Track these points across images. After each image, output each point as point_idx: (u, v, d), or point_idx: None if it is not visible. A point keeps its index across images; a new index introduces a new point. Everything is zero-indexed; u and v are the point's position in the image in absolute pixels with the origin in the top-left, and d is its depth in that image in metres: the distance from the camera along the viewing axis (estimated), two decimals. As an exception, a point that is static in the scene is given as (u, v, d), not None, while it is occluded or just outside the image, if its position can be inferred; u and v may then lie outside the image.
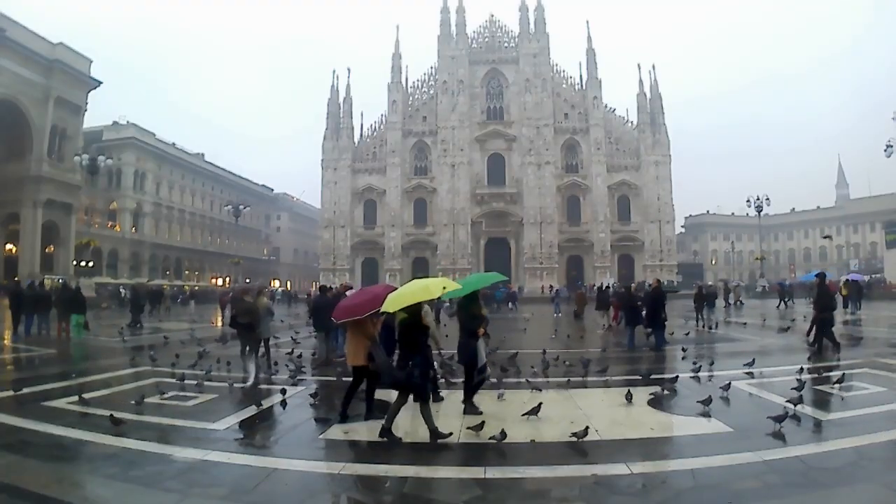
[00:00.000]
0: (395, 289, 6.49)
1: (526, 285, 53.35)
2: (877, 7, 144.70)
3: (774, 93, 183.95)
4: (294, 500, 4.30)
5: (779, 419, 5.59)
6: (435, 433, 5.66)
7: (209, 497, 4.27)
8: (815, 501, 4.07)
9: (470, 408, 6.66)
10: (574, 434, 5.41)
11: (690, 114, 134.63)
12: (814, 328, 12.14)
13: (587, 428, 5.47)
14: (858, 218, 79.51)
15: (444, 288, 6.18)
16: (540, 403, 6.48)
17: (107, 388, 8.55)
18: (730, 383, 7.71)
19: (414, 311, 5.83)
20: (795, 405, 6.35)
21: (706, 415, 6.33)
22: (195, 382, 8.51)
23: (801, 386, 7.16)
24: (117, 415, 6.06)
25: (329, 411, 7.11)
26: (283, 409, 7.21)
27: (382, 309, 6.08)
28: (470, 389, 6.82)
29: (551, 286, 47.18)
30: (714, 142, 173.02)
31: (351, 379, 6.94)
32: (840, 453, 5.00)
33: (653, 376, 8.78)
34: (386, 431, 5.67)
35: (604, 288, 22.56)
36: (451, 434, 5.69)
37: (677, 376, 8.32)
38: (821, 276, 12.52)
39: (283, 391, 7.68)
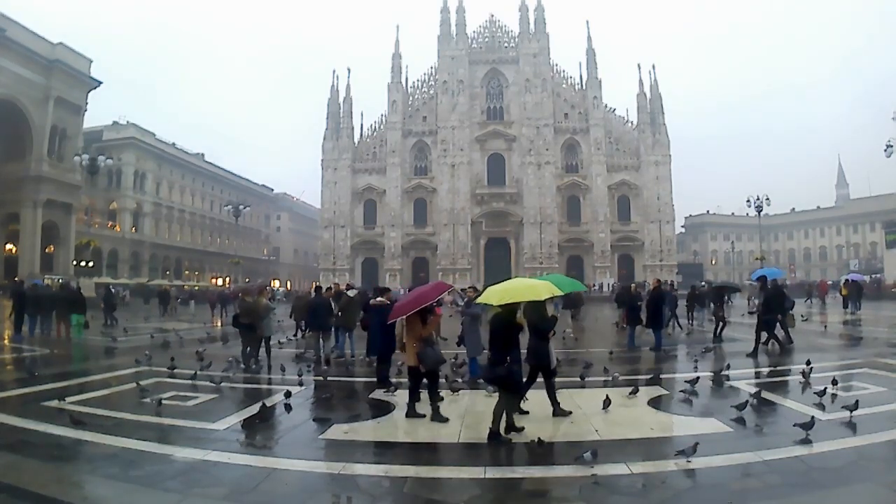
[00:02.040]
0: (448, 286, 6.64)
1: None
2: (882, 13, 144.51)
3: (775, 94, 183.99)
4: (294, 500, 4.30)
5: (806, 426, 5.38)
6: (511, 427, 5.76)
7: (209, 497, 4.27)
8: (815, 501, 4.07)
9: (559, 411, 6.57)
10: (681, 451, 4.79)
11: (691, 115, 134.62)
12: (719, 328, 13.94)
13: (696, 445, 4.78)
14: (858, 218, 79.48)
15: (551, 294, 6.27)
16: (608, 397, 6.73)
17: (106, 388, 8.54)
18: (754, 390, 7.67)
19: (511, 308, 5.90)
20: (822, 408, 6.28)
21: (741, 420, 6.13)
22: (208, 381, 8.52)
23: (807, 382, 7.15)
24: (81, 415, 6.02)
25: (329, 411, 7.11)
26: (288, 411, 7.03)
27: (482, 300, 6.19)
28: (553, 391, 6.73)
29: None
30: (714, 142, 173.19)
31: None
32: (840, 453, 5.00)
33: (662, 376, 8.83)
34: (494, 434, 5.61)
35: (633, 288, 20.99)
36: (523, 428, 5.80)
37: (698, 377, 8.22)
38: (762, 278, 12.92)
39: (288, 394, 7.50)
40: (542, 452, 5.36)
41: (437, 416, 6.46)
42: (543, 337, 6.57)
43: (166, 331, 18.18)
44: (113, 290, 25.00)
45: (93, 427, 6.03)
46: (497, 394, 5.88)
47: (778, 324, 12.16)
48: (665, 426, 6.36)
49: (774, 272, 15.19)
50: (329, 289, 14.29)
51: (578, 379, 8.65)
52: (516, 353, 5.81)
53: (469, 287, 10.98)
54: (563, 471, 4.86)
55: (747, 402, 6.49)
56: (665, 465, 4.80)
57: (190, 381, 8.87)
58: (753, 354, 11.30)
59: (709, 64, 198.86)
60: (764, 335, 11.87)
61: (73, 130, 44.16)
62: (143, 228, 59.79)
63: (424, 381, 6.71)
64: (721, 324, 14.37)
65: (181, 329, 18.92)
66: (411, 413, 6.62)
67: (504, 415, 5.73)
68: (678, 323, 17.72)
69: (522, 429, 5.82)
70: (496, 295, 5.89)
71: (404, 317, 6.58)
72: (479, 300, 6.23)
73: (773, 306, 11.95)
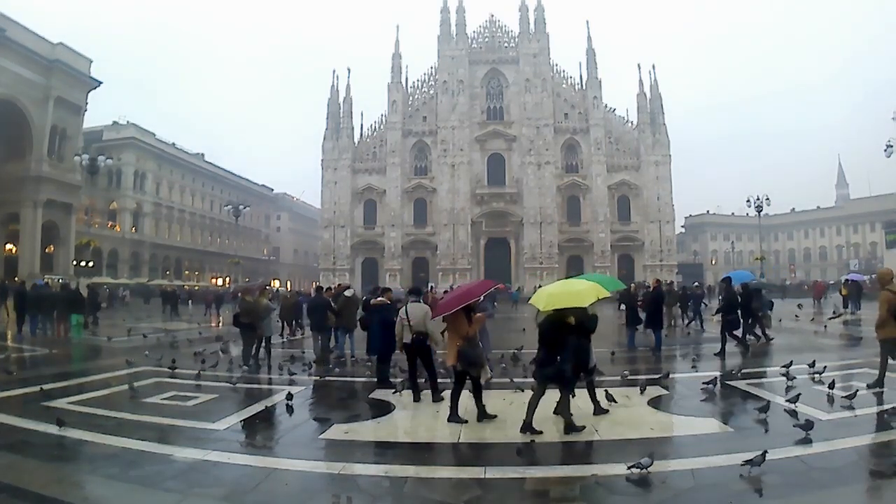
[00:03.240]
0: (495, 284, 6.66)
1: (526, 285, 53.33)
2: (885, 15, 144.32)
3: (775, 95, 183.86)
4: (294, 500, 4.30)
5: (806, 427, 5.41)
6: (571, 426, 5.82)
7: (209, 497, 4.27)
8: (815, 501, 4.07)
9: (599, 409, 6.62)
10: (749, 461, 4.49)
11: (691, 115, 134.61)
12: (759, 328, 13.51)
13: (765, 453, 4.52)
14: (858, 218, 79.47)
15: (598, 297, 6.30)
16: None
17: (106, 388, 8.55)
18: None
19: (561, 309, 5.97)
20: (794, 403, 6.36)
21: (763, 422, 6.04)
22: (225, 383, 8.55)
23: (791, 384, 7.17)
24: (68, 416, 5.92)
25: (329, 411, 7.12)
26: (290, 413, 6.99)
27: (533, 302, 6.21)
28: (592, 389, 6.77)
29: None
30: (714, 142, 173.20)
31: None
32: (840, 453, 5.00)
33: (672, 375, 8.87)
34: (570, 426, 5.80)
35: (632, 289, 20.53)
36: (584, 427, 5.86)
37: (717, 376, 8.20)
38: (726, 280, 13.29)
39: (290, 395, 7.41)
40: (542, 452, 5.36)
41: (485, 415, 6.35)
42: (586, 336, 6.54)
43: (163, 331, 18.16)
44: (97, 290, 24.41)
45: (93, 427, 6.04)
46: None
47: (750, 323, 12.79)
48: (665, 426, 6.36)
49: (742, 275, 15.51)
50: (329, 289, 14.30)
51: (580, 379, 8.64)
52: (566, 353, 5.90)
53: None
54: (563, 471, 4.86)
55: (769, 403, 6.42)
56: (665, 465, 4.81)
57: (192, 382, 8.87)
58: (721, 355, 11.57)
59: (709, 64, 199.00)
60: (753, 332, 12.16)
61: (73, 130, 44.11)
62: (143, 228, 59.77)
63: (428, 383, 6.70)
64: (759, 325, 13.76)
65: (177, 330, 18.85)
66: (454, 418, 6.33)
67: (569, 407, 5.89)
68: (693, 321, 18.10)
69: (583, 427, 5.87)
70: (543, 300, 5.99)
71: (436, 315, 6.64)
72: (531, 302, 6.22)
73: (735, 307, 12.27)
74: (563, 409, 5.99)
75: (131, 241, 57.47)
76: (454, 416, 6.34)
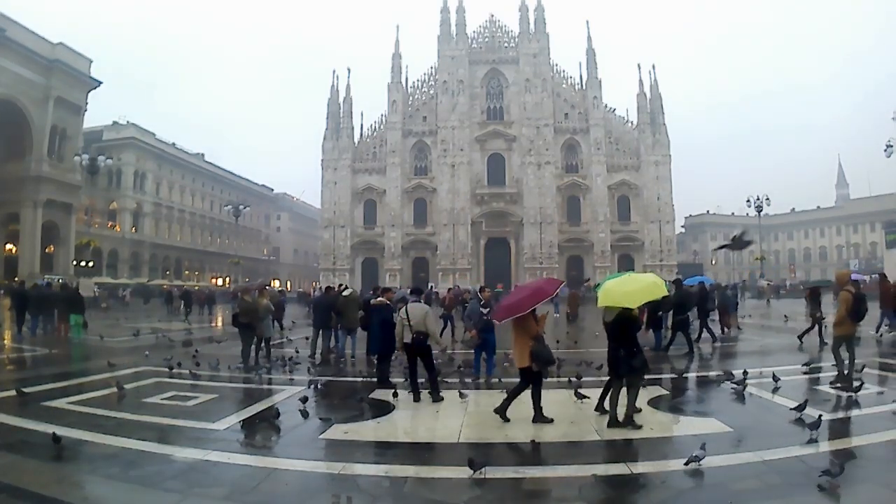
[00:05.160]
0: (561, 282, 6.89)
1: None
2: (886, 15, 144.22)
3: (775, 95, 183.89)
4: (294, 500, 4.30)
5: (813, 426, 5.36)
6: (630, 421, 5.92)
7: (209, 497, 4.27)
8: (815, 501, 4.07)
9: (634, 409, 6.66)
10: (826, 471, 4.15)
11: (691, 115, 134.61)
12: (817, 329, 13.47)
13: (843, 465, 4.21)
14: (858, 218, 79.52)
15: (651, 298, 6.52)
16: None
17: (106, 388, 8.54)
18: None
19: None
20: (801, 411, 6.24)
21: (799, 421, 5.92)
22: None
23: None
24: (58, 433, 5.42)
25: (329, 411, 7.10)
26: (305, 418, 6.67)
27: (603, 303, 6.22)
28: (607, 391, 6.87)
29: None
30: (714, 142, 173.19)
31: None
32: (840, 454, 4.99)
33: (685, 375, 8.89)
34: (629, 419, 5.93)
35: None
36: (641, 426, 5.92)
37: (746, 373, 8.16)
38: (677, 282, 14.34)
39: (304, 399, 7.09)
40: (542, 453, 5.36)
41: (541, 418, 6.25)
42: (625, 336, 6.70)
43: (156, 331, 18.09)
44: (79, 290, 23.88)
45: (92, 427, 6.04)
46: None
47: (709, 321, 13.94)
48: (665, 426, 6.36)
49: (698, 279, 16.44)
50: (331, 288, 14.30)
51: (571, 379, 8.62)
52: (637, 348, 6.14)
53: (484, 287, 10.94)
54: (563, 471, 4.86)
55: (806, 401, 6.35)
56: (665, 465, 4.80)
57: (190, 382, 8.87)
58: (665, 348, 12.38)
59: (709, 64, 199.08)
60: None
61: (73, 130, 44.17)
62: (143, 228, 59.78)
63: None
64: (818, 325, 13.53)
65: (167, 329, 18.75)
66: (540, 418, 6.21)
67: (637, 400, 6.08)
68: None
69: (640, 427, 5.92)
70: (626, 297, 6.02)
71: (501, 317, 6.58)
72: (600, 304, 6.22)
73: (686, 307, 13.00)
74: (634, 399, 6.13)
75: (131, 241, 57.48)
76: (540, 417, 6.25)
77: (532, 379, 6.34)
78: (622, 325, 6.08)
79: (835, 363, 8.41)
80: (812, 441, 5.23)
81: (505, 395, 7.00)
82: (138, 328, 17.90)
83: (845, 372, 8.10)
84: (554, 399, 7.02)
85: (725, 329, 15.61)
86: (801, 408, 6.17)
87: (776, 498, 4.10)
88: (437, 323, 11.29)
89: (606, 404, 6.33)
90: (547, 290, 6.60)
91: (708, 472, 4.60)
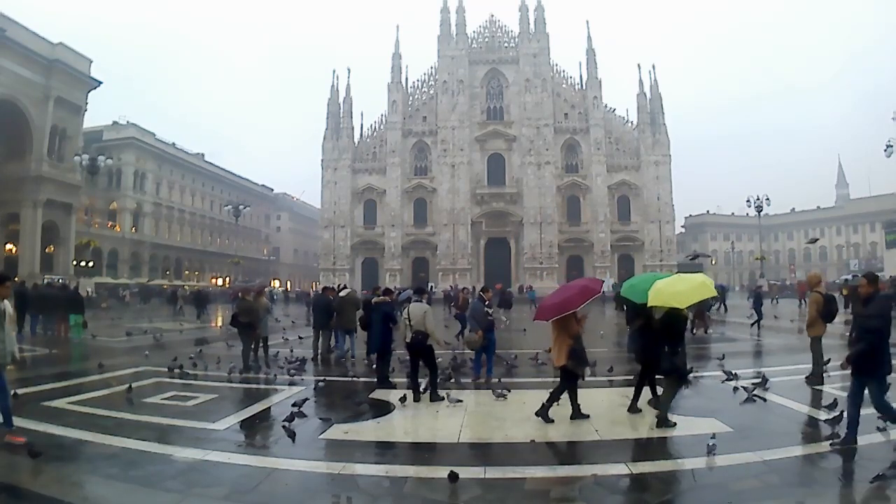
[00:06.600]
0: (602, 281, 6.83)
1: (526, 286, 53.30)
2: (886, 16, 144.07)
3: (776, 95, 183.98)
4: (294, 500, 4.31)
5: (833, 422, 5.44)
6: (664, 420, 5.97)
7: (209, 497, 4.27)
8: (814, 501, 4.06)
9: (634, 409, 6.80)
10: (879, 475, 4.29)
11: (691, 115, 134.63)
12: None
13: (885, 474, 4.31)
14: (858, 218, 79.51)
15: (700, 298, 6.61)
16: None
17: (106, 388, 8.54)
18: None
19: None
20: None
21: (836, 429, 5.61)
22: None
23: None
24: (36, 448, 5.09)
25: (329, 411, 7.10)
26: (300, 418, 6.54)
27: (653, 303, 6.21)
28: (654, 388, 7.01)
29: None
30: (714, 142, 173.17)
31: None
32: (840, 454, 4.99)
33: (692, 376, 8.89)
34: (664, 420, 5.99)
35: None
36: (675, 424, 5.94)
37: (764, 374, 8.22)
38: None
39: (303, 401, 6.98)
40: (542, 453, 5.36)
41: (579, 415, 6.36)
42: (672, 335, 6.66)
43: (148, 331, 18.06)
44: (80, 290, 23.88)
45: (92, 427, 6.03)
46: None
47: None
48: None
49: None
50: (328, 288, 14.31)
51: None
52: (683, 346, 6.24)
53: (486, 287, 10.74)
54: (563, 471, 4.86)
55: (836, 400, 6.28)
56: (665, 465, 4.80)
57: (189, 382, 8.87)
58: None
59: (709, 64, 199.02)
60: None
61: (73, 130, 44.10)
62: (143, 228, 59.74)
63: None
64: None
65: (164, 329, 18.74)
66: (577, 415, 6.34)
67: (673, 398, 6.16)
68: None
69: (675, 424, 5.95)
70: (675, 297, 6.03)
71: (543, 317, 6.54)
72: (650, 304, 6.20)
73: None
74: (663, 401, 6.19)
75: (131, 241, 57.43)
76: (578, 414, 6.35)
77: (574, 377, 6.47)
78: (670, 323, 6.15)
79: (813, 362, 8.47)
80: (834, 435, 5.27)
81: (504, 397, 7.01)
82: (145, 328, 17.80)
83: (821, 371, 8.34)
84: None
85: (695, 331, 14.87)
86: (836, 420, 5.65)
87: (776, 498, 4.10)
88: (438, 323, 11.28)
89: (640, 403, 6.58)
90: (594, 289, 6.63)
91: (708, 473, 4.60)
